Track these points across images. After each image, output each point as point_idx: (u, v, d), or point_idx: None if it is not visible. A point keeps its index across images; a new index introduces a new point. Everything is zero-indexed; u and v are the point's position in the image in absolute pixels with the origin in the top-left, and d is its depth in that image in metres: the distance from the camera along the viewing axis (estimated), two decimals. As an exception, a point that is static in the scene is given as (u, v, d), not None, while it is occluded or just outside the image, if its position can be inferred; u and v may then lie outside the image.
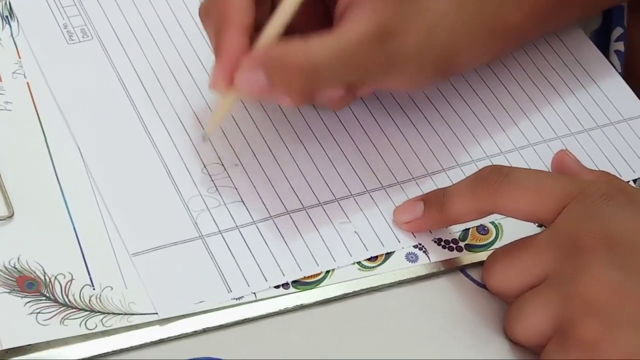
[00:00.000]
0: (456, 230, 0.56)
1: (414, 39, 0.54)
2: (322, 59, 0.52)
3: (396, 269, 0.55)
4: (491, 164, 0.59)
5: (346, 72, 0.53)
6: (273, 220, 0.55)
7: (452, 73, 0.59)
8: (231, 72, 0.52)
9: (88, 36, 0.62)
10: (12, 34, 0.62)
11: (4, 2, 0.63)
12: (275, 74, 0.52)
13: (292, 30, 0.53)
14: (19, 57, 0.60)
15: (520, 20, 0.57)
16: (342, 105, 0.57)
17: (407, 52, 0.54)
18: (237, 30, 0.52)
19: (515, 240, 0.53)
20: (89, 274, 0.52)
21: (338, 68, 0.52)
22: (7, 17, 0.62)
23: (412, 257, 0.55)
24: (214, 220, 0.55)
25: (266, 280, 0.53)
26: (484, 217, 0.55)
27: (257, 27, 0.53)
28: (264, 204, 0.56)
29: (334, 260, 0.54)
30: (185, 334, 0.51)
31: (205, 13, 0.55)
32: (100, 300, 0.51)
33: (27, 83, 0.59)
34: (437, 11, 0.54)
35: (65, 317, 0.50)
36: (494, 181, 0.52)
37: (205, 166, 0.57)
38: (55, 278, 0.52)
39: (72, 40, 0.62)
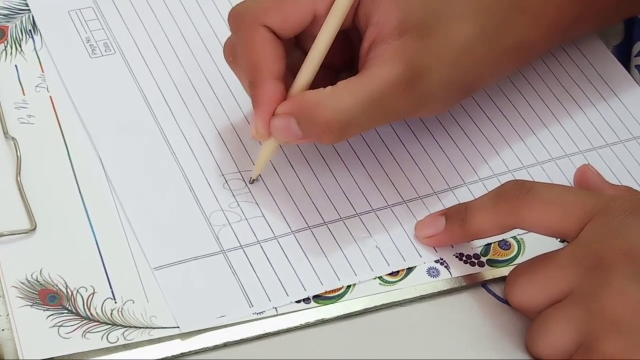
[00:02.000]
0: (478, 245, 0.56)
1: (441, 74, 0.54)
2: (352, 112, 0.53)
3: (417, 283, 0.54)
4: (513, 178, 0.59)
5: (376, 119, 0.54)
6: (294, 235, 0.55)
7: (476, 91, 0.60)
8: (269, 121, 0.54)
9: (111, 50, 0.62)
10: (35, 48, 0.62)
11: (27, 16, 0.63)
12: (307, 125, 0.53)
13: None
14: (42, 71, 0.61)
15: (539, 35, 0.58)
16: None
17: (435, 89, 0.54)
18: (272, 80, 0.54)
19: (538, 256, 0.52)
20: (111, 288, 0.52)
21: (368, 117, 0.53)
22: (30, 30, 0.63)
23: (433, 272, 0.55)
24: (235, 235, 0.55)
25: (287, 295, 0.53)
26: (506, 232, 0.54)
27: (291, 69, 0.55)
28: (285, 219, 0.56)
29: (355, 275, 0.54)
30: (206, 348, 0.51)
31: (232, 55, 0.56)
32: (122, 314, 0.51)
33: (50, 97, 0.60)
34: (460, 40, 0.54)
35: (87, 331, 0.51)
36: (516, 196, 0.52)
37: (226, 181, 0.57)
38: (77, 291, 0.52)
39: (95, 54, 0.62)
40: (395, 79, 0.53)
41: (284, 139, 0.54)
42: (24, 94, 0.59)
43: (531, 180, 0.58)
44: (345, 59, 0.57)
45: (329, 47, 0.54)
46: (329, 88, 0.53)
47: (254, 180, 0.57)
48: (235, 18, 0.55)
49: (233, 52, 0.56)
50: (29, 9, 0.64)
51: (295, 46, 0.57)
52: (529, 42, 0.57)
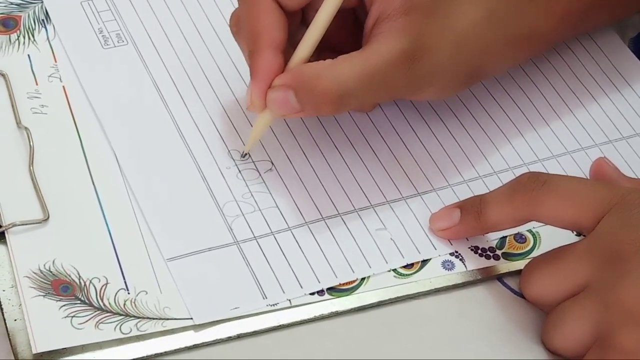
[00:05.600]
0: (493, 238, 0.56)
1: (444, 55, 0.53)
2: (351, 83, 0.52)
3: (432, 276, 0.54)
4: (528, 171, 0.59)
5: (375, 94, 0.54)
6: (308, 227, 0.55)
7: (483, 78, 0.59)
8: (266, 93, 0.53)
9: (123, 41, 0.62)
10: (48, 38, 0.62)
11: (39, 5, 0.63)
12: (305, 97, 0.52)
13: (323, 41, 0.54)
14: (55, 61, 0.61)
15: (551, 25, 0.57)
16: (370, 110, 0.58)
17: (437, 69, 0.54)
18: (271, 50, 0.53)
19: (554, 249, 0.52)
20: (124, 278, 0.52)
21: (367, 91, 0.53)
22: (43, 20, 0.62)
23: (448, 265, 0.55)
24: (249, 226, 0.55)
25: (301, 287, 0.53)
26: (521, 225, 0.54)
27: (290, 41, 0.54)
28: (299, 210, 0.56)
29: (370, 267, 0.54)
30: (220, 339, 0.51)
31: (237, 25, 0.55)
32: (135, 305, 0.51)
33: (63, 87, 0.59)
34: (466, 23, 0.54)
35: (100, 321, 0.50)
36: (532, 189, 0.52)
37: (240, 171, 0.57)
38: (90, 282, 0.52)
39: (107, 44, 0.62)
40: (396, 55, 0.52)
41: (280, 112, 0.53)
42: (36, 84, 0.59)
43: (547, 172, 0.58)
44: (352, 41, 0.56)
45: (330, 19, 0.53)
46: (328, 60, 0.53)
47: (245, 154, 0.57)
48: None
49: (237, 23, 0.55)
50: (42, -1, 0.64)
51: (302, 23, 0.56)
52: (539, 31, 0.57)
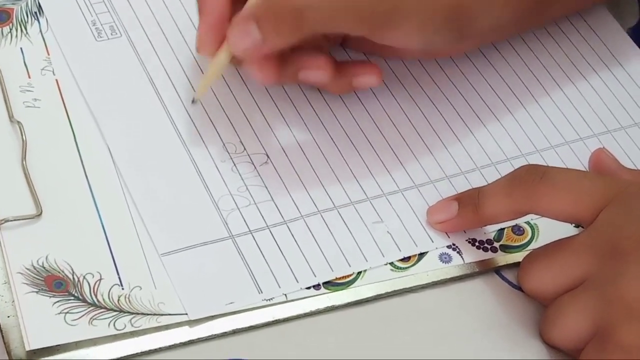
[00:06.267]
0: (491, 230, 0.55)
1: None
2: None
3: (429, 269, 0.54)
4: (526, 162, 0.58)
5: (341, 16, 0.52)
6: (304, 220, 0.55)
7: (469, 31, 0.56)
8: (218, 33, 0.52)
9: (117, 33, 0.61)
10: (40, 30, 0.61)
11: None
12: (267, 23, 0.51)
13: None
14: (48, 54, 0.60)
15: None
16: (341, 89, 0.57)
17: (408, 1, 0.52)
18: None
19: (553, 242, 0.52)
20: (118, 274, 0.52)
21: (332, 10, 0.51)
22: (35, 13, 0.62)
23: (445, 258, 0.54)
24: (244, 219, 0.54)
25: (297, 281, 0.52)
26: (519, 217, 0.53)
27: None
28: (295, 203, 0.55)
29: (366, 261, 0.54)
30: (215, 335, 0.50)
31: None
32: (129, 301, 0.51)
33: (56, 80, 0.59)
34: None
35: (94, 317, 0.50)
36: (530, 181, 0.51)
37: (235, 165, 0.56)
38: (84, 277, 0.51)
39: (101, 37, 0.61)
40: None
41: (240, 48, 0.52)
42: (29, 77, 0.59)
43: (545, 164, 0.58)
44: None
45: None
46: None
47: (195, 100, 0.56)
48: None
49: None
50: (35, -9, 0.63)
51: None
52: None
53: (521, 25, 0.60)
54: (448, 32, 0.55)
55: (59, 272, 0.51)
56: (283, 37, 0.52)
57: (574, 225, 0.55)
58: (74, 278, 0.51)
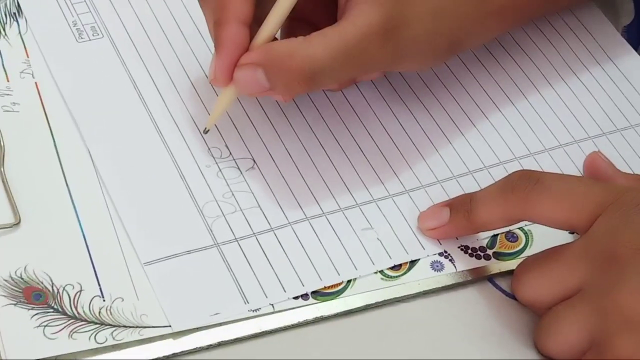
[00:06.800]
0: (484, 237, 0.54)
1: (421, 27, 0.52)
2: (325, 60, 0.50)
3: (421, 278, 0.52)
4: (520, 166, 0.57)
5: (350, 69, 0.52)
6: (292, 227, 0.53)
7: (463, 50, 0.58)
8: (230, 67, 0.52)
9: (98, 34, 0.60)
10: (20, 32, 0.60)
11: None
12: (276, 75, 0.51)
13: (296, 17, 0.52)
14: (27, 56, 0.59)
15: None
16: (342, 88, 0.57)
17: (414, 42, 0.52)
18: (237, 23, 0.51)
19: (547, 249, 0.50)
20: (99, 285, 0.50)
21: (341, 67, 0.51)
22: (14, 13, 0.60)
23: (437, 266, 0.53)
24: (229, 227, 0.53)
25: (285, 291, 0.51)
26: (513, 224, 0.52)
27: (257, 20, 0.52)
28: (282, 210, 0.54)
29: (356, 269, 0.52)
30: (200, 347, 0.49)
31: None
32: (110, 313, 0.49)
33: (36, 83, 0.57)
34: None
35: (74, 330, 0.48)
36: (524, 187, 0.50)
37: (220, 170, 0.55)
38: (64, 289, 0.50)
39: (82, 38, 0.60)
40: (372, 27, 0.51)
41: (248, 91, 0.52)
42: (7, 80, 0.57)
43: (539, 169, 0.57)
44: (325, 13, 0.55)
45: None
46: (300, 37, 0.51)
47: (207, 130, 0.55)
48: None
49: None
50: (13, -9, 0.61)
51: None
52: (516, 3, 0.56)
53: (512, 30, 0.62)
54: (444, 59, 0.57)
55: (38, 284, 0.50)
56: (293, 93, 0.52)
57: (569, 231, 0.53)
58: (53, 289, 0.50)
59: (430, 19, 0.52)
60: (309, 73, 0.50)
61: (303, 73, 0.50)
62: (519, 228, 0.55)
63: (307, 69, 0.50)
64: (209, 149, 0.56)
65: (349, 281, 0.52)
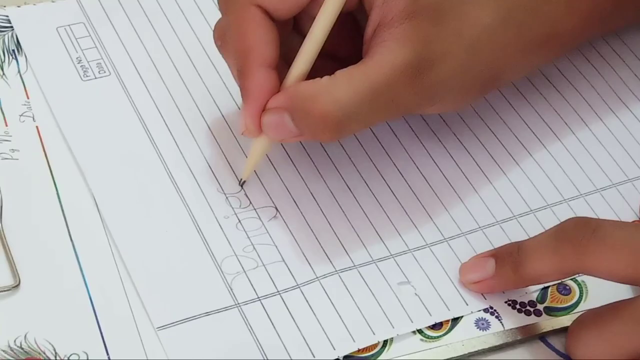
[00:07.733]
0: (533, 290, 0.50)
1: (454, 64, 0.49)
2: (352, 105, 0.48)
3: (465, 338, 0.49)
4: (569, 208, 0.53)
5: (380, 114, 0.49)
6: (320, 282, 0.50)
7: (500, 86, 0.57)
8: (260, 115, 0.50)
9: (105, 72, 0.57)
10: (19, 71, 0.57)
11: (10, 34, 0.58)
12: (301, 120, 0.48)
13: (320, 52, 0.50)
14: (27, 98, 0.56)
15: (574, 25, 0.53)
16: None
17: (447, 81, 0.49)
18: (262, 69, 0.49)
19: (606, 305, 0.47)
20: (107, 354, 0.47)
21: (370, 111, 0.49)
22: (13, 51, 0.58)
23: (482, 324, 0.49)
24: (251, 284, 0.49)
25: (314, 356, 0.47)
26: (566, 277, 0.49)
27: (285, 57, 0.50)
28: (309, 264, 0.50)
29: (393, 328, 0.48)
30: (221, 422, 0.45)
31: (221, 39, 0.51)
32: (120, 385, 0.45)
33: (37, 127, 0.55)
34: (478, 27, 0.49)
35: (80, 407, 0.45)
36: (580, 237, 0.46)
37: (240, 221, 0.51)
38: (69, 359, 0.46)
39: (87, 76, 0.57)
40: (401, 67, 0.48)
41: (276, 137, 0.50)
42: (6, 125, 0.55)
43: (590, 210, 0.53)
44: (352, 47, 0.52)
45: (328, 30, 0.49)
46: (325, 78, 0.48)
47: (244, 182, 0.52)
48: None
49: (222, 36, 0.51)
50: (12, 27, 0.59)
51: (294, 30, 0.52)
52: (561, 32, 0.52)
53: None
54: (480, 97, 0.55)
55: (40, 354, 0.46)
56: (321, 138, 0.50)
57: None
58: (57, 360, 0.46)
59: (465, 53, 0.49)
60: (335, 119, 0.48)
61: (329, 119, 0.48)
62: (571, 279, 0.51)
63: (333, 115, 0.48)
64: (226, 198, 0.52)
65: (384, 344, 0.48)
